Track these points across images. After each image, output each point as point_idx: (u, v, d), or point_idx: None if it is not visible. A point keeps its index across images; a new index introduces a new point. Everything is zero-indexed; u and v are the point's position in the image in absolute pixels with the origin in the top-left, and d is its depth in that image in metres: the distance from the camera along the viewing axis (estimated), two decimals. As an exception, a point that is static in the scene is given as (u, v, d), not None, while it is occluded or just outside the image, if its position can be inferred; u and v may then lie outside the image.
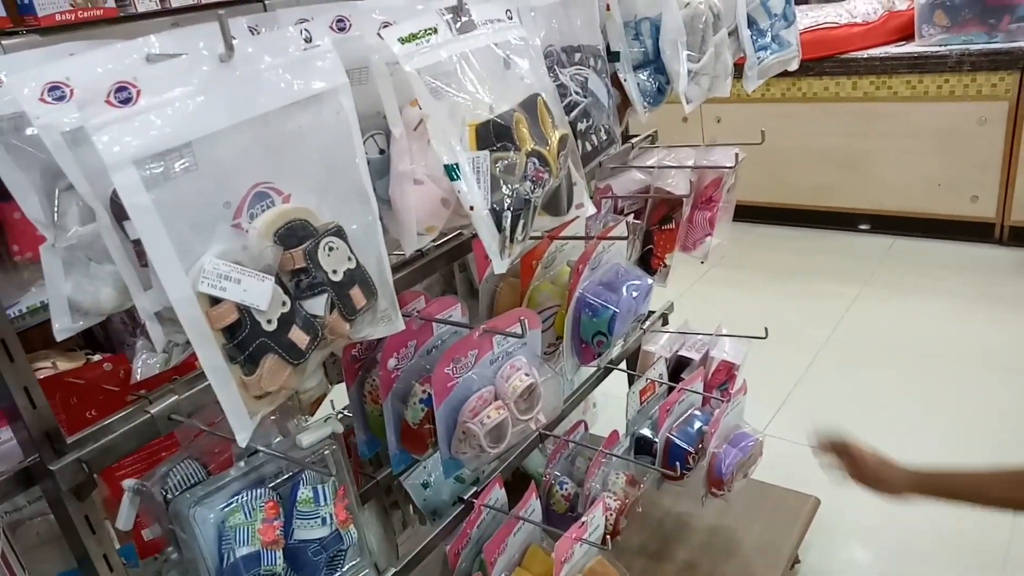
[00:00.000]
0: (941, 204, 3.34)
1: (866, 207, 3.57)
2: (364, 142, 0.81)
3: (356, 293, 0.69)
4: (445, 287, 1.41)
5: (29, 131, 0.62)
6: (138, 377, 1.21)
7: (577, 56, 1.02)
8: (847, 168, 3.53)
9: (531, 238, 1.22)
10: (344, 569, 0.86)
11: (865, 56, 3.25)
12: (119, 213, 0.62)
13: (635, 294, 1.13)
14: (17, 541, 0.96)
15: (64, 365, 1.34)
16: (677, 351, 1.83)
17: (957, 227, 3.34)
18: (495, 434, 1.01)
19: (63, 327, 0.69)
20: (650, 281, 1.16)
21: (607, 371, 1.68)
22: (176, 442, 0.95)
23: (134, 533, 1.05)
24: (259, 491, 0.81)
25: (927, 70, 3.10)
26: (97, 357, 1.47)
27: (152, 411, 0.85)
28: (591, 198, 1.04)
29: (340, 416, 1.32)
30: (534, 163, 0.79)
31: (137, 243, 0.64)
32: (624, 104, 1.27)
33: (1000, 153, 3.10)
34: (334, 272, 0.67)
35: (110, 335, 2.11)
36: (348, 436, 1.22)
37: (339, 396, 1.23)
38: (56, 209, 0.68)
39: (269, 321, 0.63)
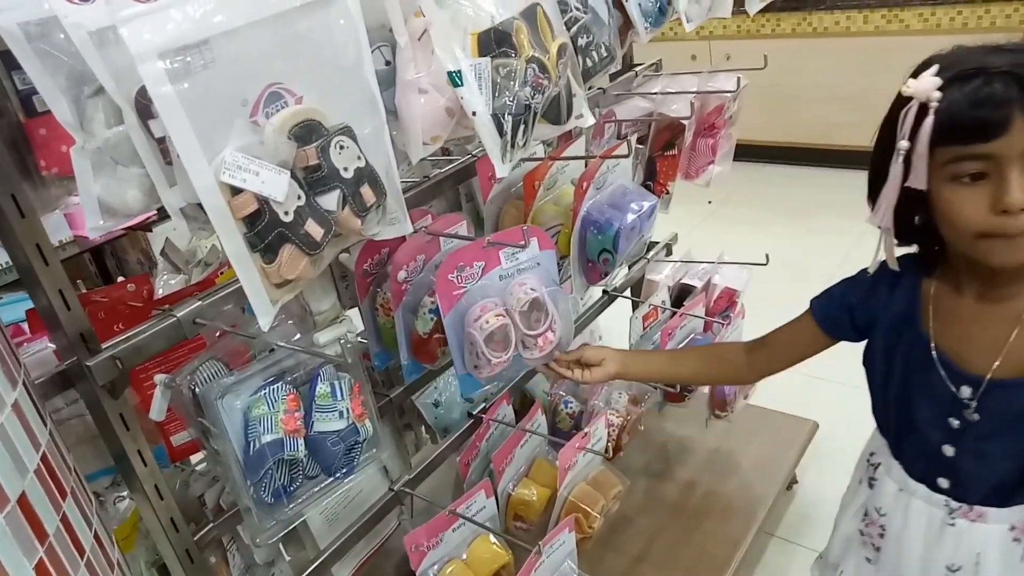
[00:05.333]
0: (951, 141, 3.33)
1: (876, 146, 3.55)
2: (371, 53, 0.84)
3: (366, 191, 0.73)
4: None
5: (59, 36, 0.66)
6: (160, 294, 1.27)
7: (578, -27, 1.04)
8: (858, 106, 3.49)
9: (531, 159, 1.25)
10: (361, 459, 0.92)
11: (877, -12, 3.20)
12: (144, 112, 0.67)
13: (639, 211, 1.16)
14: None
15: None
16: (680, 280, 1.87)
17: (967, 164, 3.33)
18: (496, 340, 1.04)
19: (94, 226, 0.74)
20: (655, 201, 1.19)
21: (612, 298, 1.73)
22: (200, 346, 1.01)
23: (164, 437, 1.12)
24: (280, 385, 0.86)
25: (940, 2, 3.05)
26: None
27: (178, 315, 0.91)
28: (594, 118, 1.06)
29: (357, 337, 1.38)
30: (534, 69, 0.82)
31: (161, 141, 0.68)
32: (626, 27, 1.28)
33: (1013, 87, 3.07)
34: (345, 169, 0.71)
35: (126, 275, 2.19)
36: (363, 358, 1.28)
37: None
38: (83, 115, 0.73)
39: (286, 213, 0.67)
